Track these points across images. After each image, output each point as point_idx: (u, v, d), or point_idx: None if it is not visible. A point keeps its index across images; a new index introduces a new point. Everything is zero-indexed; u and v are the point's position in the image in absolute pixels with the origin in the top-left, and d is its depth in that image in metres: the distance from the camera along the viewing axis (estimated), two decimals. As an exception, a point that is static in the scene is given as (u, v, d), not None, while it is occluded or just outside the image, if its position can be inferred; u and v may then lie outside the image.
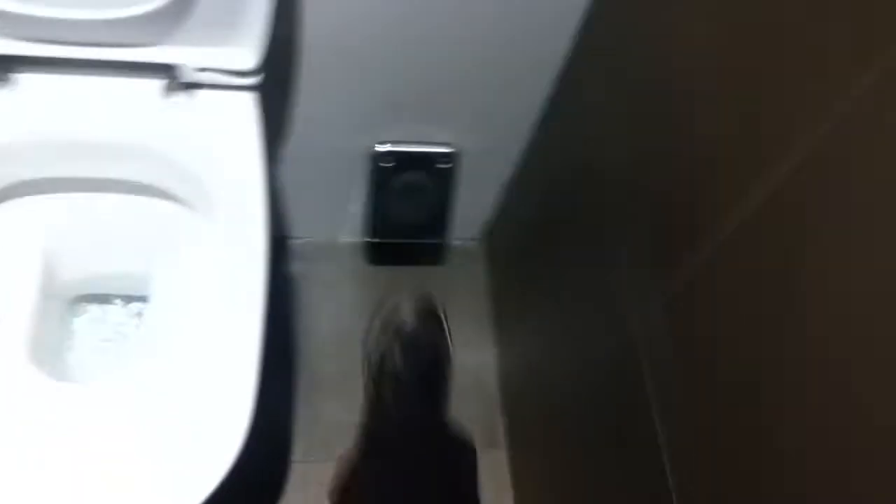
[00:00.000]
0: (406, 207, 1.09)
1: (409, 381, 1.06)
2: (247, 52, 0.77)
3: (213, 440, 0.65)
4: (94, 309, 0.96)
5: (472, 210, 1.22)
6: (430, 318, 1.12)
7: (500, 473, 1.14)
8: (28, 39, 0.74)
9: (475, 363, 1.22)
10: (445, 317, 1.12)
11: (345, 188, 1.13)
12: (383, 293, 1.17)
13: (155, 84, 0.80)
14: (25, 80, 0.77)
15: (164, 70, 0.78)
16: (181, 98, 0.80)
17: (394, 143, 1.04)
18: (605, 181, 0.83)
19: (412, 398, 1.07)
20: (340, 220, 1.22)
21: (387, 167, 1.04)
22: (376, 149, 1.03)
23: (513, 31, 0.89)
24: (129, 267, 0.92)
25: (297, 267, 1.24)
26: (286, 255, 1.24)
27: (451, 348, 1.10)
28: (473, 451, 1.08)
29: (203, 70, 0.78)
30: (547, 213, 1.08)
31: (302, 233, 1.24)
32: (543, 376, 1.07)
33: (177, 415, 0.68)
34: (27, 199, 0.84)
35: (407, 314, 1.11)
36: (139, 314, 0.96)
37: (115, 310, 0.96)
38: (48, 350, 0.87)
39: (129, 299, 0.96)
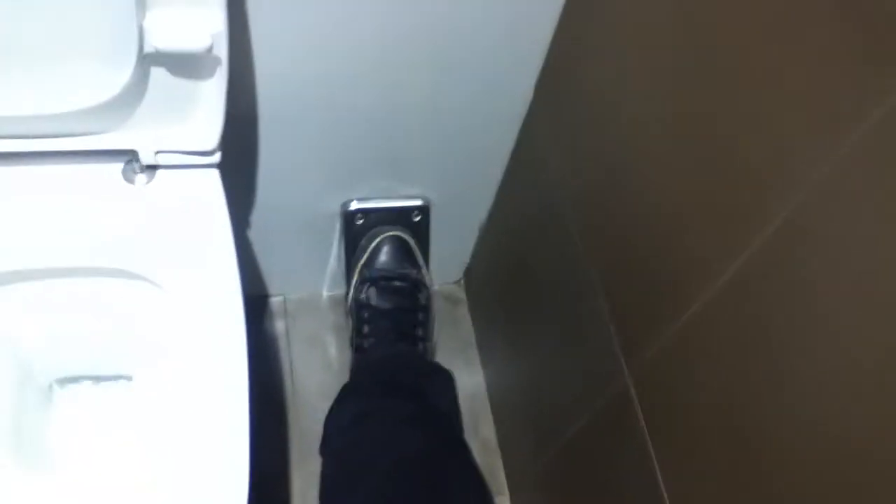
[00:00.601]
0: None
1: (385, 318, 1.05)
2: (204, 133, 0.76)
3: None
4: (71, 390, 0.95)
5: (449, 255, 1.22)
6: (405, 256, 1.08)
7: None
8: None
9: (469, 408, 1.21)
10: (420, 254, 1.09)
11: (321, 245, 1.13)
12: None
13: (114, 168, 0.79)
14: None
15: (122, 155, 0.78)
16: (141, 179, 0.79)
17: (364, 199, 1.03)
18: (570, 238, 0.83)
19: (390, 334, 1.05)
20: (320, 275, 1.21)
21: (360, 224, 1.04)
22: (348, 207, 1.03)
23: (473, 86, 0.89)
24: (104, 348, 0.91)
25: (279, 324, 1.23)
26: (268, 314, 1.24)
27: (427, 283, 1.08)
28: (451, 378, 1.09)
29: (162, 152, 0.77)
30: (521, 257, 1.08)
31: (283, 290, 1.24)
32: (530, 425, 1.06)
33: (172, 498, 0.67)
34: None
35: (383, 255, 1.07)
36: (119, 392, 0.95)
37: (94, 390, 0.95)
38: (28, 440, 0.86)
39: (106, 378, 0.95)
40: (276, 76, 0.83)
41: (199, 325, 0.75)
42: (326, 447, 1.00)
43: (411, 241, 1.04)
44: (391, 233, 1.03)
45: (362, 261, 1.04)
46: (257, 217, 1.02)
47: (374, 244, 1.03)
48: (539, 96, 0.89)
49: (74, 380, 0.95)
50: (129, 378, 0.94)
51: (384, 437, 0.93)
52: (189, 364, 0.79)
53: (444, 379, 1.06)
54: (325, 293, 1.27)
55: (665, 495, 0.66)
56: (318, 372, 1.21)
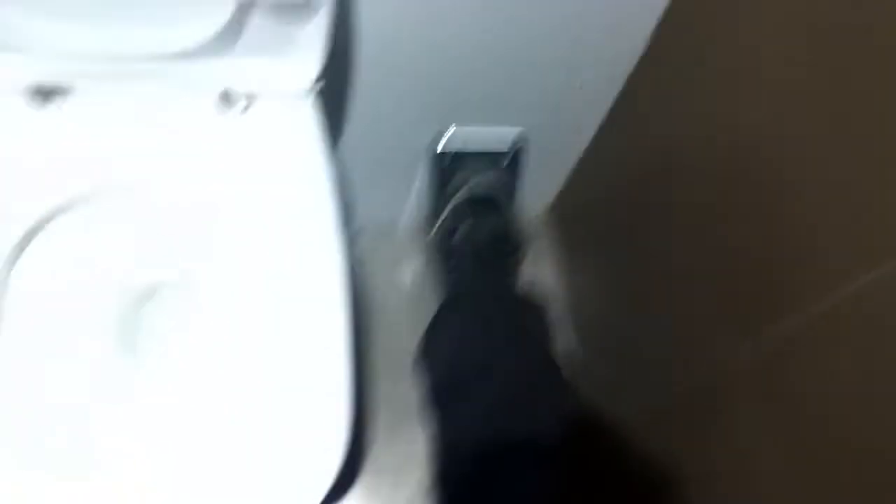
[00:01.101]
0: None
1: (474, 252, 1.04)
2: (306, 67, 0.74)
3: (319, 443, 0.65)
4: (161, 301, 0.95)
5: (538, 188, 1.18)
6: (497, 193, 1.06)
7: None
8: (83, 57, 0.71)
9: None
10: (512, 192, 1.08)
11: (405, 176, 1.10)
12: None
13: (209, 99, 0.77)
14: (80, 93, 0.75)
15: (220, 85, 0.75)
16: (237, 108, 0.77)
17: (459, 132, 1.00)
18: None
19: (478, 268, 1.04)
20: (400, 203, 1.19)
21: (454, 157, 1.01)
22: (443, 139, 0.99)
23: (586, 27, 0.83)
24: (193, 263, 0.91)
25: (357, 251, 1.22)
26: (352, 239, 1.23)
27: (516, 223, 1.07)
28: (545, 312, 1.06)
29: (262, 82, 0.75)
30: (621, 205, 1.04)
31: (363, 217, 1.22)
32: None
33: (275, 415, 0.69)
34: (82, 209, 0.83)
35: (475, 191, 1.05)
36: (210, 306, 0.95)
37: (181, 303, 0.95)
38: (130, 339, 0.88)
39: (195, 292, 0.95)
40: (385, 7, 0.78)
41: (295, 251, 0.74)
42: (428, 359, 1.01)
43: (504, 179, 1.01)
44: (484, 179, 1.00)
45: (455, 195, 1.01)
46: (347, 145, 0.99)
47: (465, 189, 1.00)
48: (655, 46, 0.83)
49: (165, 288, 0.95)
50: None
51: (485, 353, 0.93)
52: (283, 286, 0.79)
53: (538, 305, 1.05)
54: (403, 223, 1.25)
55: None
56: (394, 298, 1.21)
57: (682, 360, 0.83)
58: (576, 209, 1.22)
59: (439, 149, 0.99)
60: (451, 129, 1.00)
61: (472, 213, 1.01)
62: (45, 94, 0.74)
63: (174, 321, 0.91)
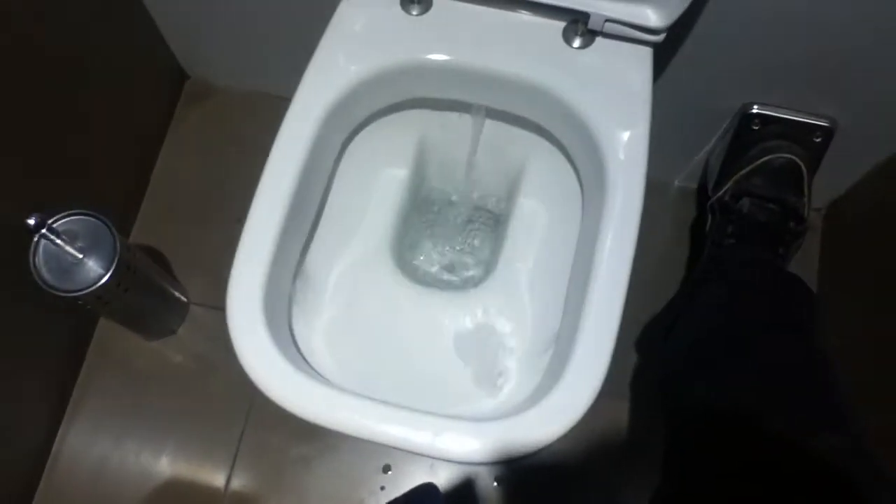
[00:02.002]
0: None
1: (752, 228, 1.00)
2: (663, 12, 0.74)
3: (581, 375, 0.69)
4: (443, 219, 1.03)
5: (826, 182, 1.12)
6: (792, 181, 1.01)
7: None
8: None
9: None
10: (809, 181, 1.01)
11: (701, 138, 1.09)
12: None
13: (558, 25, 0.80)
14: (441, 6, 0.81)
15: (571, 14, 0.79)
16: (581, 42, 0.80)
17: (769, 106, 0.97)
18: None
19: (754, 242, 1.01)
20: (683, 165, 1.18)
21: (754, 129, 0.98)
22: (750, 109, 0.97)
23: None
24: (491, 187, 0.97)
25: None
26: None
27: (805, 214, 1.01)
28: (815, 296, 1.00)
29: (613, 21, 0.77)
30: None
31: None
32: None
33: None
34: (413, 111, 0.91)
35: (769, 173, 1.01)
36: (486, 231, 1.01)
37: (463, 228, 1.02)
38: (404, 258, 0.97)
39: (479, 214, 1.02)
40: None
41: (598, 193, 0.77)
42: (683, 321, 1.01)
43: (804, 168, 0.97)
44: (786, 154, 0.96)
45: (746, 170, 0.99)
46: (660, 96, 1.00)
47: (764, 158, 0.97)
48: None
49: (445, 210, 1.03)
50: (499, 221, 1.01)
51: (748, 328, 0.90)
52: (573, 229, 0.83)
53: (806, 291, 0.99)
54: (676, 182, 1.25)
55: None
56: (650, 254, 1.21)
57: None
58: (857, 215, 1.15)
59: (753, 109, 0.97)
60: (754, 108, 0.98)
61: (768, 183, 0.98)
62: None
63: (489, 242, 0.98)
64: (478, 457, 0.67)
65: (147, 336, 1.15)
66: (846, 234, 1.17)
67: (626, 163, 0.76)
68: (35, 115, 0.95)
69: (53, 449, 1.11)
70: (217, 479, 1.09)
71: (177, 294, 1.14)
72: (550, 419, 0.67)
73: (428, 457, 0.67)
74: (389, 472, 1.09)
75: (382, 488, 1.08)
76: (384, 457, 1.10)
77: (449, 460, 0.68)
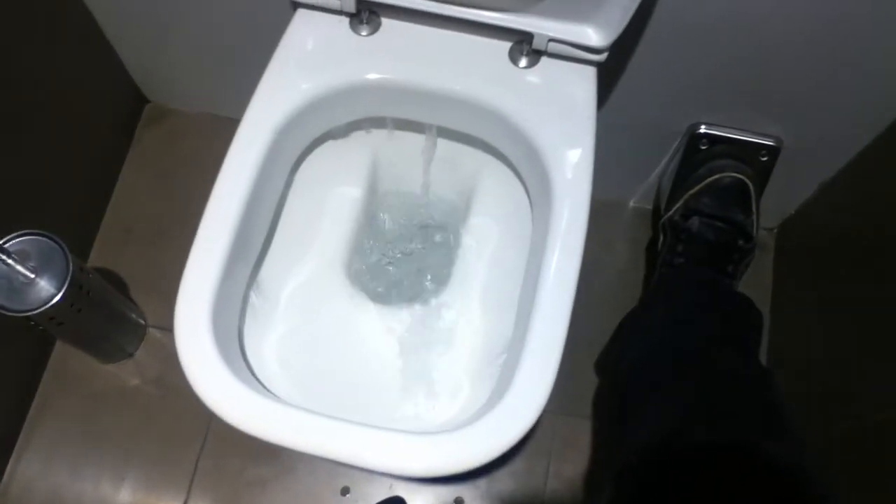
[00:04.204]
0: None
1: (702, 248, 1.02)
2: (603, 32, 0.77)
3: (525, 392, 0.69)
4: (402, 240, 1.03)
5: (776, 201, 1.15)
6: (739, 200, 1.03)
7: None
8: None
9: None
10: (756, 199, 1.04)
11: (652, 158, 1.11)
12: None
13: (504, 45, 0.82)
14: (390, 27, 0.83)
15: (516, 35, 0.80)
16: (527, 62, 0.82)
17: (715, 126, 0.99)
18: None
19: (703, 262, 1.03)
20: (636, 186, 1.20)
21: (702, 149, 1.01)
22: (697, 130, 0.99)
23: (882, 34, 0.80)
24: (445, 204, 0.98)
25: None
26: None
27: (753, 232, 1.04)
28: (760, 316, 1.02)
29: (556, 41, 0.79)
30: (860, 233, 1.00)
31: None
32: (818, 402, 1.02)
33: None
34: (364, 131, 0.92)
35: (718, 192, 1.03)
36: (437, 250, 1.02)
37: (416, 246, 1.03)
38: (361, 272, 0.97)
39: (431, 231, 1.03)
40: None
41: (545, 207, 0.78)
42: (629, 340, 1.03)
43: (751, 187, 0.99)
44: (733, 173, 0.99)
45: (694, 190, 1.01)
46: (605, 116, 1.02)
47: (712, 178, 0.99)
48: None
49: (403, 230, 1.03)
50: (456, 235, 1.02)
51: (693, 347, 0.92)
52: (523, 240, 0.85)
53: (752, 309, 1.01)
54: (631, 203, 1.27)
55: None
56: (607, 273, 1.23)
57: None
58: (806, 234, 1.18)
59: (701, 129, 0.99)
60: (702, 128, 1.00)
61: (717, 202, 1.00)
62: (361, 19, 0.82)
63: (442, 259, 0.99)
64: (425, 469, 0.67)
65: (103, 359, 1.14)
66: (797, 252, 1.20)
67: (571, 178, 0.77)
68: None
69: (4, 479, 1.09)
70: (174, 502, 1.08)
71: (133, 316, 1.14)
72: (498, 431, 0.68)
73: (375, 472, 0.68)
74: (348, 495, 1.08)
75: (341, 511, 1.08)
76: (342, 478, 1.09)
77: (396, 475, 0.68)
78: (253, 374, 0.77)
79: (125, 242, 1.21)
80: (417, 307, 0.88)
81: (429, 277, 0.98)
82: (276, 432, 0.68)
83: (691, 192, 1.02)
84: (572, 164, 0.78)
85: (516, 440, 0.68)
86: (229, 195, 0.75)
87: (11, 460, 1.10)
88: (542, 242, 0.75)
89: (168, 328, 1.17)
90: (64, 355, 1.15)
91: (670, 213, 1.05)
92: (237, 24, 1.04)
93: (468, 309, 0.87)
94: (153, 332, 1.17)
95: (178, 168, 1.27)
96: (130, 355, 1.15)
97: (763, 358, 1.17)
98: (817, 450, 0.84)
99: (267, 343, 0.84)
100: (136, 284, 1.19)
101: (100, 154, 1.24)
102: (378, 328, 0.87)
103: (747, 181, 1.00)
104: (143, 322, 1.16)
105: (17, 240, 0.90)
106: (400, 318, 0.87)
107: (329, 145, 0.91)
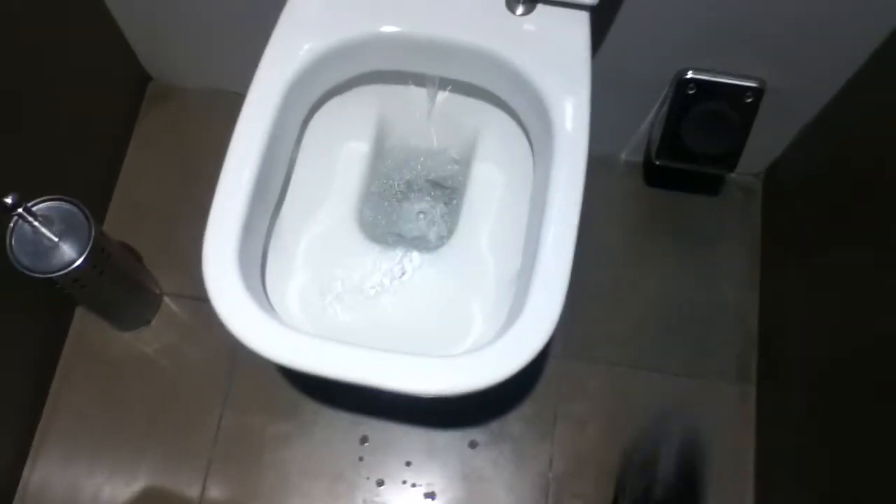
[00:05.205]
0: (700, 136, 1.09)
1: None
2: (595, -24, 0.81)
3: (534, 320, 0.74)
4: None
5: (761, 146, 1.20)
6: (690, 471, 1.13)
7: (747, 408, 1.17)
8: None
9: (736, 298, 1.23)
10: (704, 473, 1.13)
11: (642, 108, 1.16)
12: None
13: (502, -3, 0.87)
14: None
15: (514, -14, 0.85)
16: (524, 9, 0.86)
17: (702, 71, 1.04)
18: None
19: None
20: (627, 138, 1.25)
21: (690, 94, 1.05)
22: (685, 76, 1.04)
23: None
24: (448, 156, 1.02)
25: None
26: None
27: None
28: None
29: (549, -11, 0.83)
30: (843, 173, 1.05)
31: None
32: (812, 332, 1.07)
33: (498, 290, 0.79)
34: (370, 86, 0.97)
35: (666, 461, 1.13)
36: (445, 201, 1.06)
37: (424, 198, 1.07)
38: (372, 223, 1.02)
39: (437, 186, 1.07)
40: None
41: (546, 155, 0.83)
42: None
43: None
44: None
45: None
46: (594, 68, 1.07)
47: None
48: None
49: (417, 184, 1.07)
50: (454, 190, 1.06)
51: None
52: (524, 189, 0.89)
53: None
54: (623, 157, 1.31)
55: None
56: (603, 226, 1.27)
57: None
58: (792, 176, 1.23)
59: (688, 75, 1.04)
60: (689, 73, 1.05)
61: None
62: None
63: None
64: (451, 387, 0.71)
65: (122, 326, 1.18)
66: (784, 195, 1.25)
67: (571, 110, 0.82)
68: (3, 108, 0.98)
69: (33, 445, 1.13)
70: (198, 462, 1.12)
71: (149, 284, 1.17)
72: (514, 350, 0.72)
73: (400, 392, 0.72)
74: (367, 444, 1.13)
75: (361, 459, 1.12)
76: (361, 429, 1.13)
77: (424, 395, 0.72)
78: (276, 312, 0.81)
79: (135, 217, 1.25)
80: (428, 253, 0.93)
81: (437, 224, 1.02)
82: (310, 360, 0.72)
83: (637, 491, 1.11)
84: (571, 98, 0.83)
85: (531, 358, 0.72)
86: (247, 143, 0.79)
87: (40, 426, 1.14)
88: (547, 174, 0.80)
89: (183, 295, 1.21)
90: (83, 324, 1.19)
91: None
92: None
93: (477, 249, 0.91)
94: (168, 301, 1.21)
95: (183, 144, 1.30)
96: (148, 322, 1.19)
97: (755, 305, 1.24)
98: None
99: (289, 291, 0.88)
100: (149, 256, 1.22)
101: (108, 131, 1.27)
102: (393, 273, 0.91)
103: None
104: (158, 291, 1.20)
105: (42, 204, 0.94)
106: (413, 263, 0.91)
107: (337, 101, 0.95)
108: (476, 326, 0.87)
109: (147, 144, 1.31)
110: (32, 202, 0.92)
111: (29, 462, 1.12)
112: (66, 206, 0.95)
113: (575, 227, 0.77)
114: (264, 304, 0.76)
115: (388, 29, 0.85)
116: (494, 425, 1.14)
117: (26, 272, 0.91)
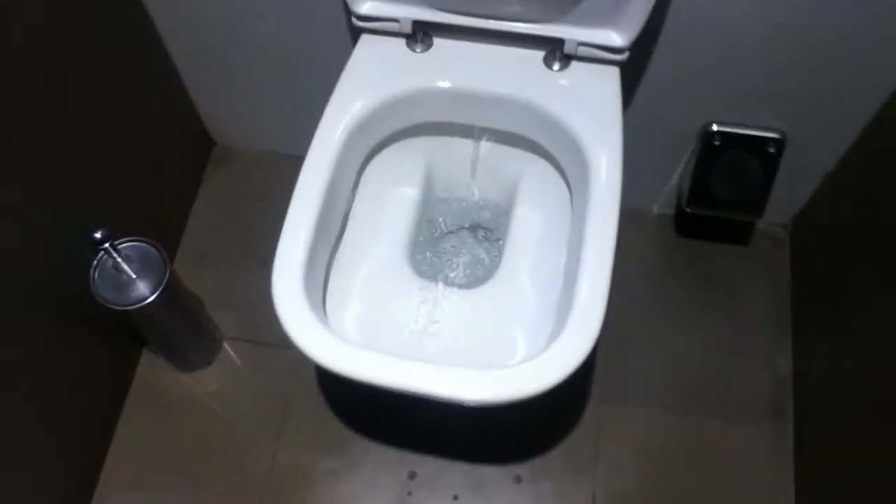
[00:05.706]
0: (727, 184, 1.17)
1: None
2: (624, 34, 0.91)
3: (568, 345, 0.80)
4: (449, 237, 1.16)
5: (787, 196, 1.27)
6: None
7: (780, 447, 1.20)
8: (448, 11, 0.94)
9: (769, 345, 1.28)
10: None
11: (670, 162, 1.24)
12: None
13: (539, 54, 0.96)
14: (441, 45, 0.98)
15: (549, 43, 0.95)
16: (560, 66, 0.96)
17: (726, 123, 1.12)
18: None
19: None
20: (658, 190, 1.33)
21: (716, 145, 1.13)
22: (710, 128, 1.12)
23: (866, 29, 0.93)
24: (491, 202, 1.11)
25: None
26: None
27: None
28: None
29: (584, 44, 0.93)
30: (867, 220, 1.11)
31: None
32: (848, 383, 1.11)
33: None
34: (419, 138, 1.06)
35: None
36: (488, 243, 1.14)
37: (468, 239, 1.16)
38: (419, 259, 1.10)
39: (480, 230, 1.15)
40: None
41: (582, 202, 0.91)
42: None
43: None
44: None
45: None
46: (625, 120, 1.16)
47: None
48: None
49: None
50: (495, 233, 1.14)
51: None
52: (561, 233, 0.97)
53: None
54: (654, 210, 1.39)
55: None
56: (633, 282, 1.34)
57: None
58: (818, 225, 1.29)
59: (713, 127, 1.12)
60: (714, 126, 1.13)
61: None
62: (416, 39, 0.97)
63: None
64: (497, 396, 0.77)
65: (184, 367, 1.26)
66: (811, 244, 1.30)
67: (605, 153, 0.90)
68: (86, 162, 1.10)
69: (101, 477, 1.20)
70: (252, 499, 1.17)
71: (211, 328, 1.26)
72: (556, 363, 0.79)
73: (453, 400, 0.78)
74: (415, 479, 1.17)
75: (410, 493, 1.16)
76: (409, 464, 1.18)
77: (477, 404, 0.78)
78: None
79: (200, 266, 1.35)
80: (473, 288, 1.00)
81: (482, 262, 1.10)
82: (369, 371, 0.78)
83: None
84: (605, 143, 0.91)
85: (573, 368, 0.78)
86: (312, 183, 0.89)
87: (105, 465, 1.21)
88: (584, 210, 0.88)
89: (241, 339, 1.29)
90: (148, 366, 1.27)
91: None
92: (299, 65, 1.20)
93: (519, 283, 0.99)
94: (227, 345, 1.29)
95: (243, 202, 1.41)
96: (208, 363, 1.27)
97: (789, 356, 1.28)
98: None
99: (346, 319, 0.96)
100: (210, 302, 1.31)
101: (178, 188, 1.39)
102: (441, 305, 0.98)
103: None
104: (218, 335, 1.28)
105: (125, 244, 1.03)
106: (459, 297, 0.99)
107: (389, 150, 1.04)
108: (520, 350, 0.93)
109: (211, 201, 1.42)
110: (118, 240, 1.02)
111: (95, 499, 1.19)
112: (144, 246, 1.05)
113: (611, 251, 0.84)
114: (326, 322, 0.84)
115: (439, 84, 0.95)
116: (538, 461, 1.18)
117: (106, 304, 1.00)
